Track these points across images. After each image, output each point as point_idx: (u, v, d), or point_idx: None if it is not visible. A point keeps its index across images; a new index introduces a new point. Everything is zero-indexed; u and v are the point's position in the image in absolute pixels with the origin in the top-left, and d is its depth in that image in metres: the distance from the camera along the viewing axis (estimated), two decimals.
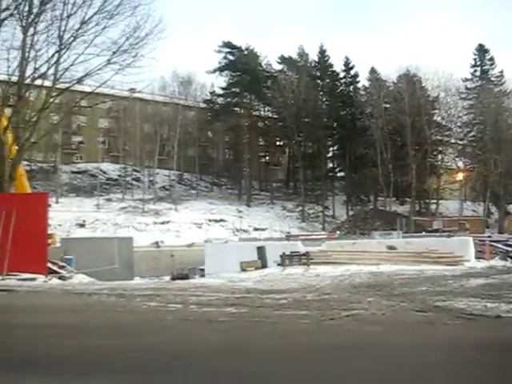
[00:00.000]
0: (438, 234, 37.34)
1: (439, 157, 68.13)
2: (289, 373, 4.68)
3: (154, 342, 6.30)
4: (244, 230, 55.18)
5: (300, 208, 67.11)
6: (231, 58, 72.98)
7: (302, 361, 5.12)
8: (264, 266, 19.78)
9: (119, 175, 66.81)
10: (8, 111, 22.81)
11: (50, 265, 16.92)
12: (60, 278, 16.27)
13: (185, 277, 21.69)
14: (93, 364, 5.25)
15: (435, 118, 67.04)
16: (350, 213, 68.07)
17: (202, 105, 73.31)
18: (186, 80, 72.22)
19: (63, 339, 6.56)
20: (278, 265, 18.96)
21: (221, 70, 73.21)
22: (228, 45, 72.78)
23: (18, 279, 14.87)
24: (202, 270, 26.66)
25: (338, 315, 7.35)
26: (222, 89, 73.47)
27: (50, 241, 17.83)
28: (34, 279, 15.01)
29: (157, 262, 33.40)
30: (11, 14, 21.03)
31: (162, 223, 55.87)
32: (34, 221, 16.34)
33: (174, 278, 21.13)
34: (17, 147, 21.34)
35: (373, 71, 72.42)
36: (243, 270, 18.99)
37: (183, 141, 69.15)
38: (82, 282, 16.09)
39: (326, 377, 4.55)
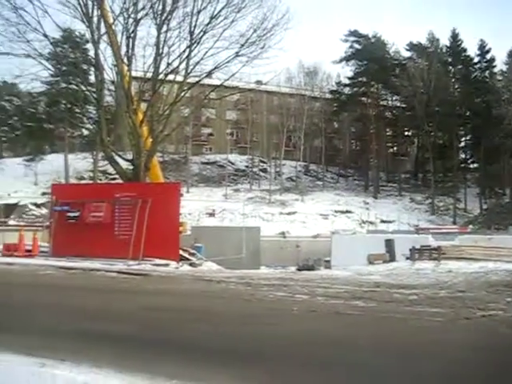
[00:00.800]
0: None
1: None
2: (417, 372, 4.48)
3: (280, 332, 6.30)
4: (371, 222, 54.24)
5: (429, 200, 64.77)
6: (358, 46, 71.77)
7: (434, 360, 4.87)
8: (392, 259, 19.23)
9: (246, 166, 68.33)
10: (143, 106, 24.04)
11: (181, 252, 17.60)
12: (191, 264, 16.85)
13: (311, 268, 21.71)
14: (221, 350, 5.34)
15: None
16: (484, 206, 64.58)
17: (328, 95, 72.90)
18: (312, 70, 72.28)
19: (194, 323, 6.77)
20: (407, 259, 18.32)
21: (347, 59, 72.32)
22: (354, 33, 71.64)
23: (153, 264, 15.63)
24: (328, 261, 26.54)
25: (474, 315, 6.92)
26: (349, 78, 72.57)
27: (181, 229, 18.48)
28: (166, 265, 15.70)
29: (282, 252, 33.74)
30: (146, 14, 22.11)
31: (288, 214, 56.38)
32: (167, 209, 17.08)
33: (300, 269, 21.18)
34: (151, 139, 22.41)
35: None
36: (370, 262, 18.58)
37: (309, 132, 69.40)
38: (211, 269, 16.55)
39: (456, 378, 4.32)
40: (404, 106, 72.05)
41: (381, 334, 6.13)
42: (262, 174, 67.95)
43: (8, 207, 48.28)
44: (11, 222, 42.98)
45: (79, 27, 25.99)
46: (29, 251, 18.49)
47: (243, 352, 5.28)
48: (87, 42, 31.87)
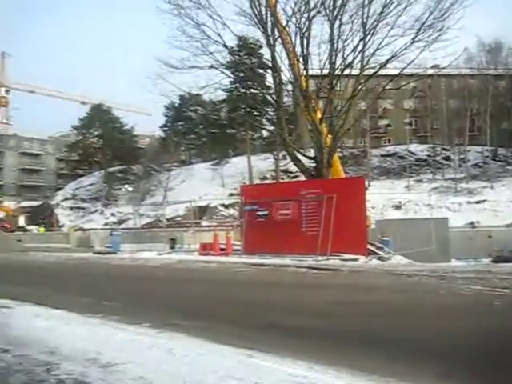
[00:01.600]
0: None
1: None
2: None
3: (479, 328, 5.99)
4: None
5: None
6: None
7: None
8: None
9: (428, 155, 65.89)
10: (320, 103, 24.37)
11: (369, 246, 17.53)
12: (379, 258, 16.72)
13: (509, 259, 20.31)
14: (416, 346, 5.24)
15: None
16: None
17: None
18: (494, 47, 67.19)
19: (388, 318, 6.73)
20: None
21: None
22: None
23: (341, 259, 15.78)
24: None
25: None
26: None
27: (367, 223, 18.42)
28: (355, 260, 15.75)
29: (472, 244, 32.03)
30: (318, 11, 22.37)
31: (477, 202, 53.22)
32: (353, 204, 17.11)
33: (495, 261, 19.96)
34: (330, 136, 22.62)
35: None
36: None
37: (495, 113, 64.71)
38: (400, 263, 16.26)
39: None
40: None
41: None
42: (445, 162, 64.94)
43: (200, 209, 52.06)
44: (204, 223, 46.40)
45: (254, 34, 27.13)
46: (223, 250, 19.79)
47: (439, 348, 5.10)
48: (261, 47, 33.39)
